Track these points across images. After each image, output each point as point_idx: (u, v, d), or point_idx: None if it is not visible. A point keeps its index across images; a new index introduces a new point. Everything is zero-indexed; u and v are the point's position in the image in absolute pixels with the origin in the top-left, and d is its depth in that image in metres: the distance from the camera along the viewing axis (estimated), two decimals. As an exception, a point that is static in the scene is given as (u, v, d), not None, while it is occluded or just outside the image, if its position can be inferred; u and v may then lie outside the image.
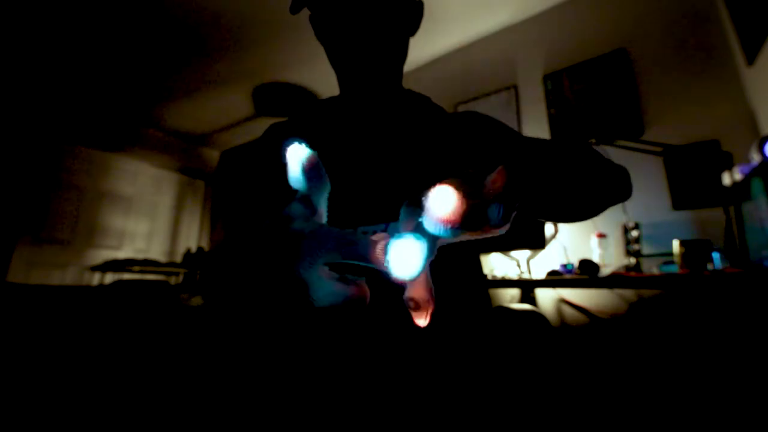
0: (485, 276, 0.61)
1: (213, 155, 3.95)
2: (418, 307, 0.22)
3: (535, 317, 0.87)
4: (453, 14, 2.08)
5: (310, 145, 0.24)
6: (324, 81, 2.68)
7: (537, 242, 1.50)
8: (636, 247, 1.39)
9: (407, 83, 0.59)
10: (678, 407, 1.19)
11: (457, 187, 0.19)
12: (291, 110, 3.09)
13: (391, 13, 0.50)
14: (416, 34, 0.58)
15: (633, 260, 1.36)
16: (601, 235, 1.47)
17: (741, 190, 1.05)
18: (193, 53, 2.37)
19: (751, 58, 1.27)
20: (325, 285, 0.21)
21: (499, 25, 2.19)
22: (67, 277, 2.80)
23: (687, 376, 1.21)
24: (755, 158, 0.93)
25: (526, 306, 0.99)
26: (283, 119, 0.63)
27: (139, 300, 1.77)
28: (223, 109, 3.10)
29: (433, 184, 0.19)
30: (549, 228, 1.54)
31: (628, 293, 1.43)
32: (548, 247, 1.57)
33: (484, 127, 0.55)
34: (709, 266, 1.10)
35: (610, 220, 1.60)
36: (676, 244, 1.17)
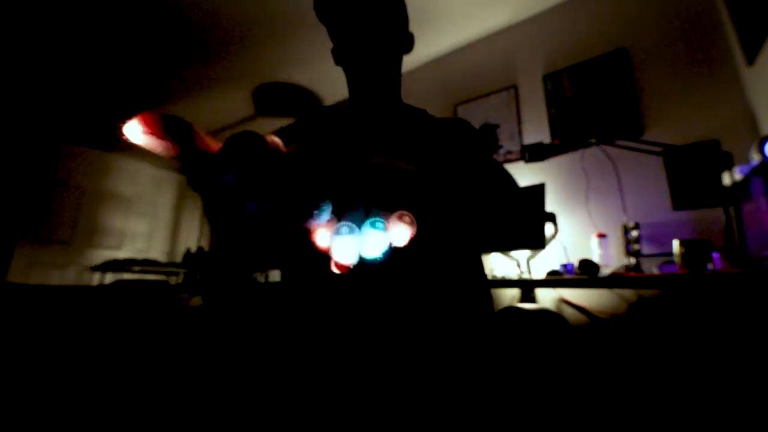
0: (486, 276, 0.62)
1: (213, 155, 3.94)
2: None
3: (553, 317, 0.87)
4: (453, 14, 2.08)
5: (311, 149, 0.29)
6: (324, 81, 2.68)
7: (537, 242, 1.50)
8: (636, 247, 1.39)
9: (408, 82, 0.60)
10: (678, 407, 1.19)
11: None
12: (295, 113, 3.09)
13: (389, 41, 0.63)
14: (416, 34, 0.65)
15: (633, 260, 1.36)
16: (601, 235, 1.47)
17: (741, 190, 1.05)
18: (192, 53, 2.37)
19: (751, 58, 1.27)
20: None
21: (499, 25, 2.19)
22: (67, 277, 2.80)
23: (687, 376, 1.21)
24: (755, 158, 0.92)
25: (535, 305, 0.99)
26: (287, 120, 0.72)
27: (139, 300, 1.77)
28: (223, 109, 3.10)
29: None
30: (549, 228, 1.54)
31: (628, 293, 1.43)
32: (548, 247, 1.57)
33: (458, 138, 0.63)
34: (709, 266, 1.10)
35: (610, 220, 1.60)
36: (676, 244, 1.16)
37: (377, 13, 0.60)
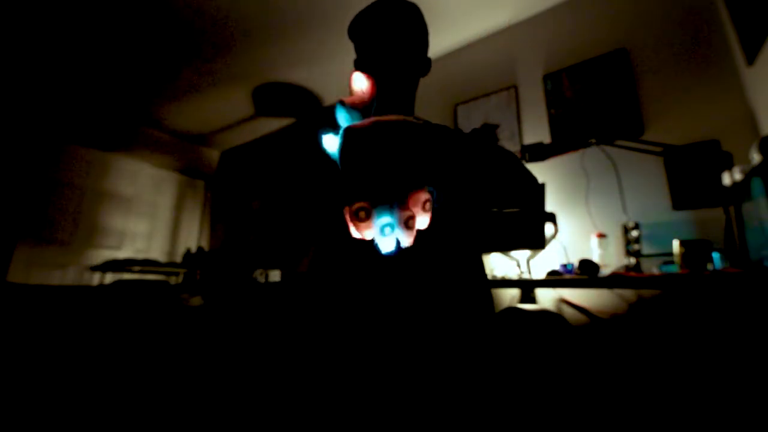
0: (486, 276, 0.62)
1: (213, 155, 3.94)
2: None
3: (554, 318, 0.87)
4: (453, 14, 2.08)
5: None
6: (324, 81, 2.68)
7: (537, 242, 1.50)
8: (636, 247, 1.39)
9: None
10: (678, 407, 1.19)
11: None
12: (291, 110, 3.09)
13: (407, 64, 0.68)
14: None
15: (633, 260, 1.36)
16: (601, 235, 1.47)
17: (741, 190, 1.05)
18: (193, 53, 2.37)
19: (751, 58, 1.27)
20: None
21: (499, 25, 2.19)
22: (67, 277, 2.80)
23: (687, 377, 1.21)
24: (755, 158, 0.92)
25: (535, 306, 0.99)
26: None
27: (139, 300, 1.77)
28: (223, 109, 3.10)
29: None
30: (549, 228, 1.54)
31: (628, 293, 1.43)
32: (548, 247, 1.57)
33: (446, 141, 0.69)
34: (709, 266, 1.10)
35: (610, 220, 1.60)
36: (676, 244, 1.16)
37: (401, 39, 0.67)
